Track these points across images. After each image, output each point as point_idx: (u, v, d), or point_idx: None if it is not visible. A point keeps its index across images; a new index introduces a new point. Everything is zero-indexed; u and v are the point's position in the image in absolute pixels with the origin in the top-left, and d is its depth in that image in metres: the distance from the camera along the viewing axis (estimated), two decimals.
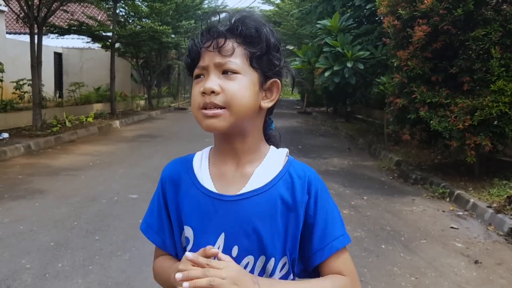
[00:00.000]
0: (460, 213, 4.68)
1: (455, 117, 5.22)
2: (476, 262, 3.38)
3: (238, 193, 0.89)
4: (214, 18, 0.95)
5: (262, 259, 0.88)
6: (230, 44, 0.88)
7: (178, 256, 0.97)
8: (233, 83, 0.86)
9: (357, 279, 0.93)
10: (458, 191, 5.14)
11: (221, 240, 0.88)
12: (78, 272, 3.02)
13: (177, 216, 0.94)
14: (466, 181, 5.63)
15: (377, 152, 8.35)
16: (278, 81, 0.92)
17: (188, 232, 0.91)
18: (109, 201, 4.71)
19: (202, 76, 0.90)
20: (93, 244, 3.51)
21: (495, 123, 5.10)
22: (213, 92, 0.85)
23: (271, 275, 0.89)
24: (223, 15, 0.95)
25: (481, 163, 5.87)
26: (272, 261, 0.88)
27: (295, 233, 0.89)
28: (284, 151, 0.96)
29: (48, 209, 4.38)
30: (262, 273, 0.89)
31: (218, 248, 0.87)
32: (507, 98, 4.95)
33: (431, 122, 5.45)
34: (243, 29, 0.89)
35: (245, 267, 0.87)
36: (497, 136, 5.25)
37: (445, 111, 5.39)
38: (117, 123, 12.47)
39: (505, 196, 4.62)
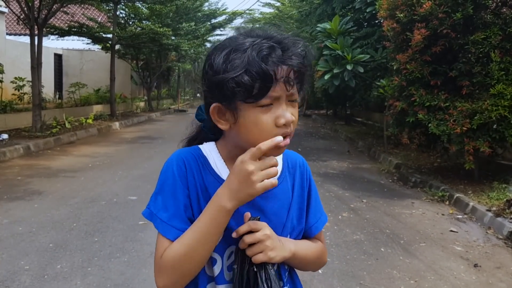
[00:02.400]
0: (460, 216, 4.68)
1: (453, 121, 5.22)
2: (475, 265, 3.38)
3: None
4: (290, 45, 0.90)
5: None
6: (291, 73, 0.89)
7: None
8: (295, 111, 0.92)
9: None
10: (457, 195, 5.14)
11: None
12: (77, 273, 3.01)
13: (199, 207, 0.92)
14: (465, 185, 5.63)
15: (376, 155, 8.36)
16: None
17: None
18: (108, 203, 4.70)
19: (271, 105, 0.87)
20: (92, 246, 3.50)
21: (494, 127, 5.10)
22: (293, 122, 0.89)
23: None
24: (298, 44, 0.92)
25: (481, 166, 5.87)
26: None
27: (302, 216, 1.03)
28: None
29: (47, 211, 4.38)
30: None
31: None
32: (507, 101, 4.95)
33: (430, 125, 5.46)
34: (303, 63, 0.90)
35: None
36: (496, 141, 5.26)
37: (444, 114, 5.40)
38: (116, 124, 12.47)
39: (505, 199, 4.62)
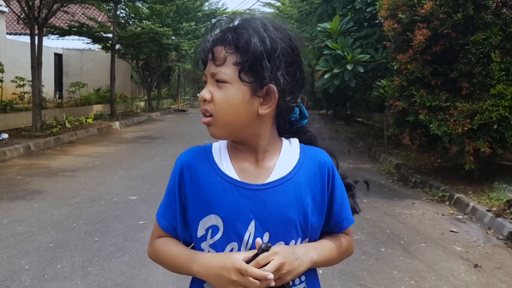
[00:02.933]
0: (460, 216, 4.68)
1: (454, 121, 5.22)
2: (475, 266, 3.38)
3: (265, 182, 0.94)
4: (221, 23, 0.95)
5: (292, 242, 0.95)
6: (222, 53, 0.89)
7: (194, 247, 0.99)
8: (220, 92, 0.89)
9: (353, 240, 1.10)
10: (457, 195, 5.14)
11: (252, 228, 0.92)
12: (77, 273, 3.01)
13: (198, 205, 0.95)
14: (465, 185, 5.63)
15: (376, 155, 8.36)
16: (273, 87, 0.90)
17: (217, 220, 0.93)
18: (108, 202, 4.70)
19: (205, 83, 0.93)
20: (92, 245, 3.50)
21: (494, 127, 5.10)
22: (205, 100, 0.90)
23: None
24: (223, 21, 0.94)
25: (481, 167, 5.87)
26: (299, 241, 0.96)
27: (321, 215, 0.98)
28: (296, 141, 1.01)
29: (47, 210, 4.38)
30: None
31: (249, 235, 0.92)
32: (507, 102, 4.95)
33: (431, 126, 5.46)
34: (233, 39, 0.89)
35: None
36: (496, 141, 5.25)
37: (444, 114, 5.40)
38: (117, 124, 12.47)
39: (505, 200, 4.62)
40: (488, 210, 4.49)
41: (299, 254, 0.92)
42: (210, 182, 0.94)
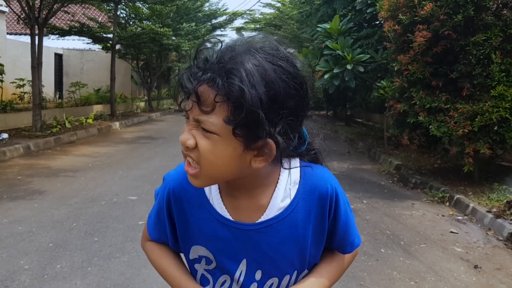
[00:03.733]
0: (460, 217, 4.68)
1: (454, 122, 5.22)
2: (475, 266, 3.38)
3: (258, 221, 0.86)
4: (204, 52, 0.77)
5: (286, 277, 0.90)
6: (210, 98, 0.72)
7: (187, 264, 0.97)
8: (207, 143, 0.74)
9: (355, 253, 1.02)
10: (457, 196, 5.14)
11: (243, 266, 0.88)
12: (77, 273, 3.00)
13: (187, 234, 0.91)
14: (465, 186, 5.63)
15: (376, 156, 8.35)
16: (271, 143, 0.75)
17: (208, 254, 0.90)
18: (108, 203, 4.70)
19: (187, 119, 0.78)
20: (92, 246, 3.50)
21: (495, 128, 5.09)
22: (187, 147, 0.76)
23: (295, 282, 0.92)
24: (208, 50, 0.77)
25: (481, 168, 5.87)
26: (294, 275, 0.91)
27: (319, 245, 0.92)
28: (296, 166, 0.87)
29: (47, 210, 4.37)
30: (287, 286, 0.92)
31: (241, 273, 0.88)
32: (508, 103, 4.95)
33: (430, 127, 5.45)
34: (223, 86, 0.70)
35: (270, 287, 0.90)
36: (497, 143, 5.25)
37: (444, 116, 5.39)
38: (117, 124, 12.47)
39: (505, 201, 4.62)
40: (488, 211, 4.49)
41: None
42: (198, 217, 0.88)
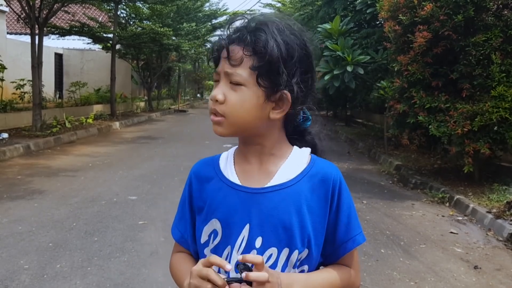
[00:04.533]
0: (460, 218, 4.68)
1: (454, 122, 5.22)
2: (475, 267, 3.38)
3: (265, 186, 0.93)
4: (236, 22, 0.93)
5: (285, 251, 0.91)
6: (239, 53, 0.87)
7: (198, 255, 0.99)
8: (235, 95, 0.88)
9: (359, 270, 1.01)
10: (457, 196, 5.14)
11: (246, 231, 0.91)
12: (77, 273, 3.00)
13: (204, 211, 0.97)
14: (465, 186, 5.63)
15: (376, 156, 8.35)
16: (287, 93, 0.89)
17: (216, 224, 0.94)
18: (108, 202, 4.70)
19: (217, 82, 0.92)
20: (91, 245, 3.50)
21: (495, 128, 5.10)
22: (217, 100, 0.89)
23: (294, 267, 0.92)
24: (239, 20, 0.93)
25: (481, 168, 5.87)
26: (295, 253, 0.91)
27: (320, 230, 0.93)
28: (307, 151, 0.99)
29: (47, 210, 4.37)
30: (286, 264, 0.91)
31: (243, 239, 0.91)
32: (508, 103, 4.95)
33: (430, 127, 5.46)
34: (251, 41, 0.87)
35: (268, 258, 0.90)
36: (496, 143, 5.25)
37: (444, 116, 5.40)
38: (117, 124, 12.48)
39: (505, 201, 4.62)
40: (488, 212, 4.49)
41: (283, 283, 0.84)
42: (213, 188, 0.96)
